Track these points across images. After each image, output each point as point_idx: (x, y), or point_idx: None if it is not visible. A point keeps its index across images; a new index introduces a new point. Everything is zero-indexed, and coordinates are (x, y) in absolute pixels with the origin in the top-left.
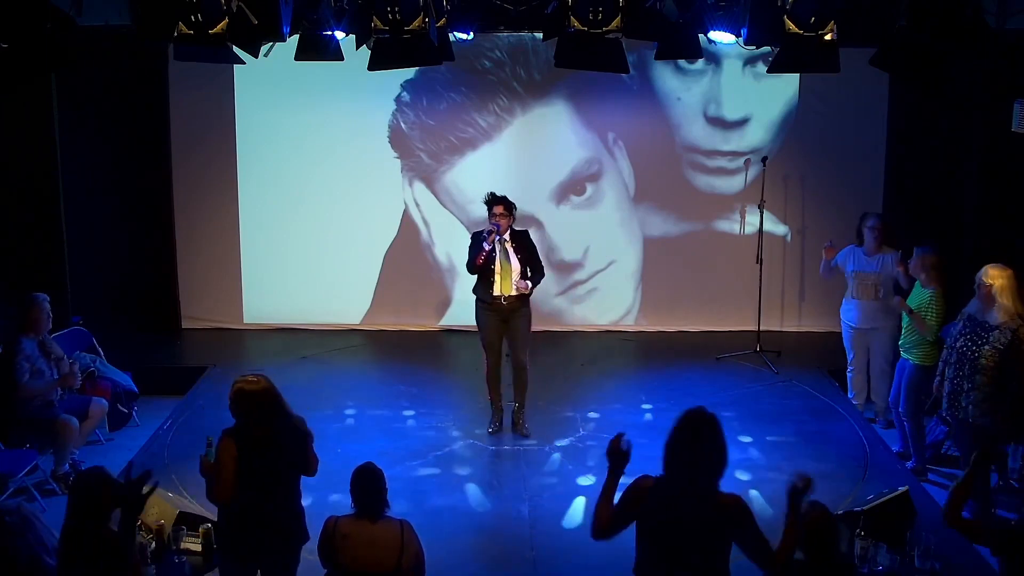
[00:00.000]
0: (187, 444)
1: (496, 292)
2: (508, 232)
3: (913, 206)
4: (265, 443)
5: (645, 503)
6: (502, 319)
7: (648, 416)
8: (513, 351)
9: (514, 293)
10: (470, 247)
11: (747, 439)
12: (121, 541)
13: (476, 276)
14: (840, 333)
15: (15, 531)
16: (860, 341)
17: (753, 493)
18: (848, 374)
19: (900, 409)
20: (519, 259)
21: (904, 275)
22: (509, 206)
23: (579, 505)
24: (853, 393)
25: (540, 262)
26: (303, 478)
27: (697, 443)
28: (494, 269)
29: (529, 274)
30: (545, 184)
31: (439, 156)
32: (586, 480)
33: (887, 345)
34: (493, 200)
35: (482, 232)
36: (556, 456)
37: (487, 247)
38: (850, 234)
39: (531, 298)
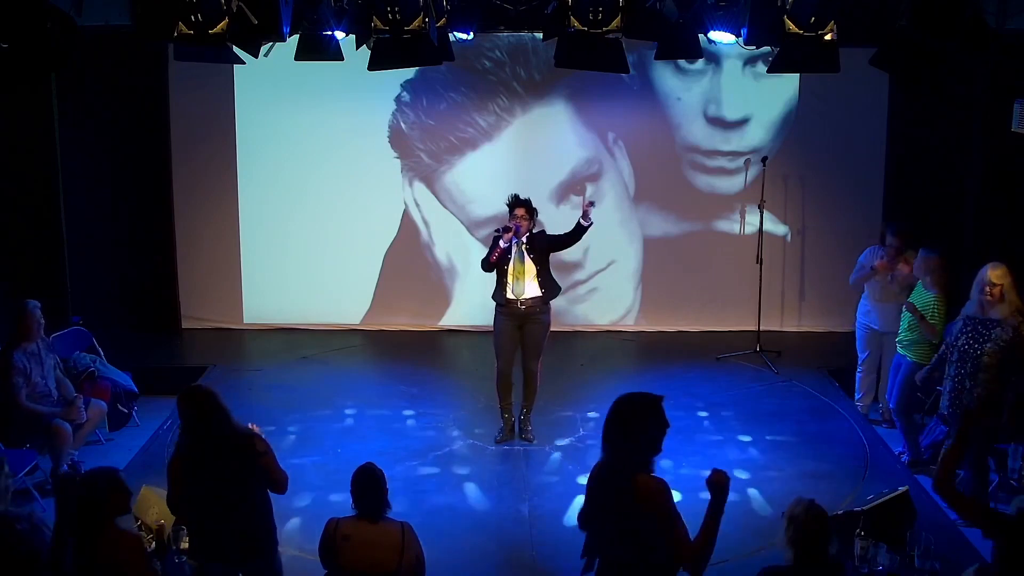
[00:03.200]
0: None
1: (510, 295)
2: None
3: (913, 206)
4: (206, 455)
5: (591, 480)
6: (517, 324)
7: None
8: (524, 357)
9: (526, 296)
10: (490, 247)
11: (747, 439)
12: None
13: (495, 280)
14: (842, 332)
15: (25, 537)
16: (875, 342)
17: (752, 492)
18: (857, 373)
19: (892, 404)
20: (532, 259)
21: (905, 275)
22: (531, 209)
23: (580, 505)
24: (860, 393)
25: (561, 241)
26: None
27: (628, 425)
28: (507, 270)
29: (543, 279)
30: (545, 184)
31: (439, 156)
32: (586, 480)
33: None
34: (516, 202)
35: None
36: (556, 456)
37: (503, 244)
38: (851, 234)
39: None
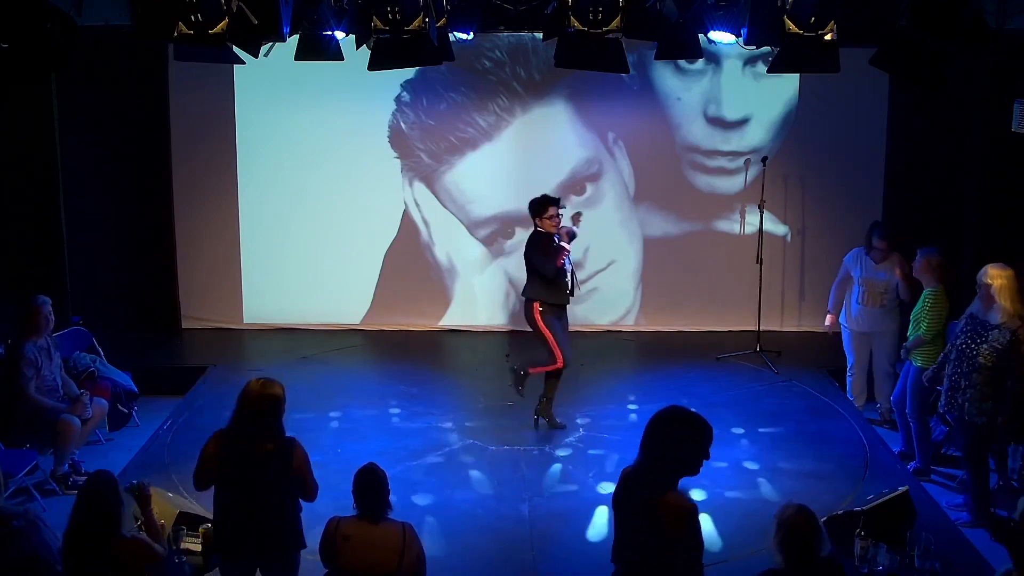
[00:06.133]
0: (187, 444)
1: (573, 293)
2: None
3: (913, 206)
4: (255, 449)
5: (619, 488)
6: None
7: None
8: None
9: None
10: (540, 252)
11: (746, 439)
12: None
13: (552, 284)
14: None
15: (23, 535)
16: (862, 344)
17: (752, 493)
18: (848, 377)
19: (907, 411)
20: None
21: (903, 281)
22: None
23: (579, 506)
24: (853, 396)
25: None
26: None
27: (666, 438)
28: (569, 271)
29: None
30: (545, 184)
31: (439, 156)
32: (586, 480)
33: (889, 348)
34: (553, 201)
35: (554, 240)
36: (556, 456)
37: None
38: (850, 234)
39: None
